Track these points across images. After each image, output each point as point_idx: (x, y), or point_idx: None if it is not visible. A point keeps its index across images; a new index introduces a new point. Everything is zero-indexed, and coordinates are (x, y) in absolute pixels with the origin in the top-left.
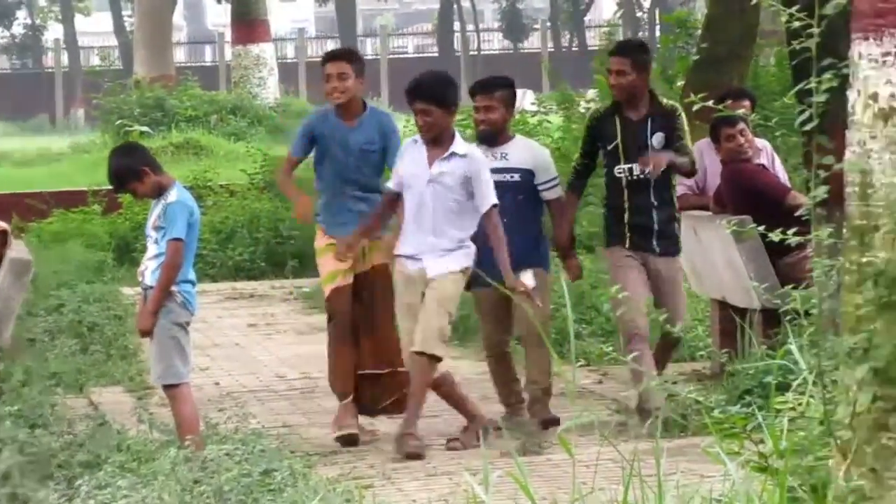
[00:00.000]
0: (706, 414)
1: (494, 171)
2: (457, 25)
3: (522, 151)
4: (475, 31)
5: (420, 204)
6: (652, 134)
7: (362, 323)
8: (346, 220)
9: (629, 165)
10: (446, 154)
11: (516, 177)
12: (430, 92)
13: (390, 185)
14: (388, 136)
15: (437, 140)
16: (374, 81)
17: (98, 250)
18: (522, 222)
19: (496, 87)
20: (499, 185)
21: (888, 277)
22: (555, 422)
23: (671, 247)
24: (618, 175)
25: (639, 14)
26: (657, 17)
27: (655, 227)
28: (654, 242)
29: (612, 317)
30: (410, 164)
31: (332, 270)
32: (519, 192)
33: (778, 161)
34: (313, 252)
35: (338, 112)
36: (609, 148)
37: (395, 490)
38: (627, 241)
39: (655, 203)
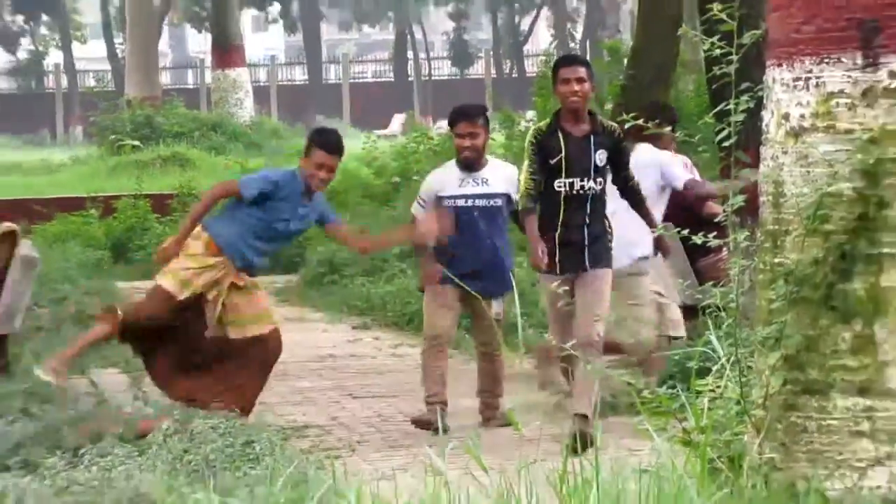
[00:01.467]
0: (636, 395)
1: (478, 196)
2: (410, 54)
3: (499, 174)
4: (426, 59)
5: None
6: (595, 151)
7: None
8: (246, 265)
9: (570, 180)
10: None
11: (499, 201)
12: None
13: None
14: (323, 215)
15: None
16: (336, 104)
17: (96, 249)
18: (506, 243)
19: (478, 113)
20: (485, 210)
21: (797, 276)
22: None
23: (602, 260)
24: (557, 188)
25: (571, 45)
26: (587, 47)
27: (586, 242)
28: (585, 257)
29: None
30: None
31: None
32: (502, 214)
33: (696, 173)
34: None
35: (303, 187)
36: (552, 162)
37: (360, 460)
38: (557, 267)
39: (588, 221)
